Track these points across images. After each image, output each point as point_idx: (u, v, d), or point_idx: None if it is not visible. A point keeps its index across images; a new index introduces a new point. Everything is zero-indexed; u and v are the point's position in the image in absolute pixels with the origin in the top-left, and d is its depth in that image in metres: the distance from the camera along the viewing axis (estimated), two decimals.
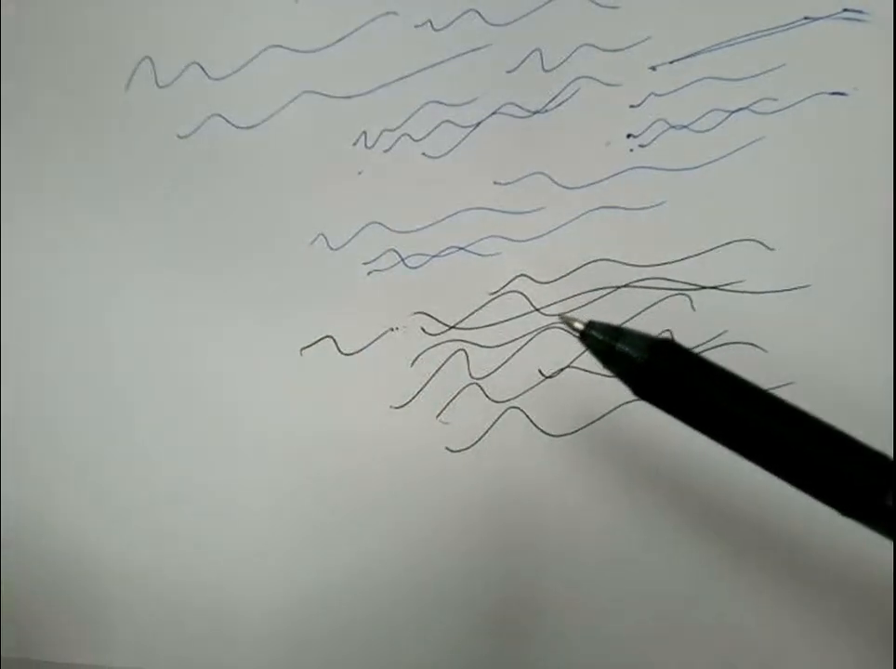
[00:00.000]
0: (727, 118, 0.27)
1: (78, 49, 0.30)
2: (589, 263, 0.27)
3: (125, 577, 0.30)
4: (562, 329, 0.27)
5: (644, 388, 0.19)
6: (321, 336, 0.29)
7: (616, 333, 0.20)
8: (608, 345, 0.19)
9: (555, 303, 0.28)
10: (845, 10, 0.26)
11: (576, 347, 0.27)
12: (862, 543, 0.26)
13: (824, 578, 0.27)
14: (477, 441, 0.28)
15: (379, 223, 0.28)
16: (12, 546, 0.31)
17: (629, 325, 0.20)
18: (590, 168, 0.27)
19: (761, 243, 0.27)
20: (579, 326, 0.20)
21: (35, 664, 0.31)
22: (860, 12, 0.26)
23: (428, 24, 0.28)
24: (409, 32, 0.28)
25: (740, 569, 0.27)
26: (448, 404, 0.28)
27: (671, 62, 0.27)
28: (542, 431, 0.28)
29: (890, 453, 0.19)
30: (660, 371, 0.19)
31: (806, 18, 0.26)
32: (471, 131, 0.28)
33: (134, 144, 0.30)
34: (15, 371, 0.30)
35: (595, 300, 0.27)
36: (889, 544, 0.19)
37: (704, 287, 0.27)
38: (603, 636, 0.28)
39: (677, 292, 0.27)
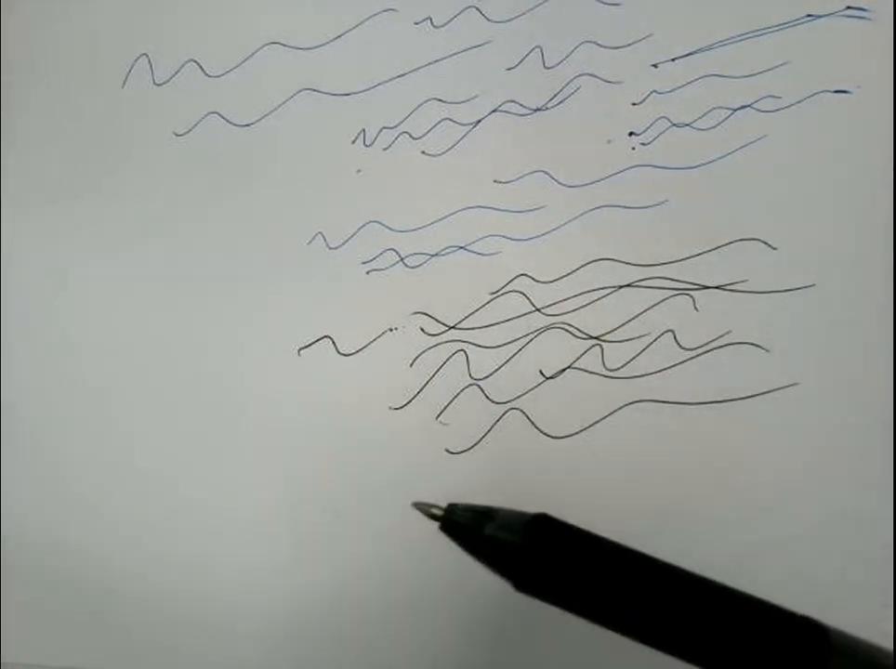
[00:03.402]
0: (729, 116, 0.27)
1: (74, 47, 0.30)
2: (591, 262, 0.27)
3: (123, 581, 0.30)
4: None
5: (526, 579, 0.16)
6: (319, 336, 0.28)
7: (483, 516, 0.16)
8: (474, 531, 0.16)
9: (556, 303, 0.27)
10: (848, 8, 0.26)
11: (578, 347, 0.27)
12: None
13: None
14: (477, 443, 0.28)
15: (378, 222, 0.28)
16: (12, 550, 0.30)
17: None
18: (591, 166, 0.27)
19: (764, 243, 0.27)
20: (437, 512, 0.17)
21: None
22: (863, 10, 0.26)
23: (428, 21, 0.28)
24: (408, 28, 0.28)
25: (744, 569, 0.27)
26: (448, 405, 0.28)
27: (673, 60, 0.27)
28: (543, 433, 0.28)
29: None
30: (541, 555, 0.15)
31: (809, 15, 0.26)
32: (471, 129, 0.28)
33: (130, 142, 0.29)
34: (15, 371, 0.30)
35: (596, 300, 0.27)
36: None
37: (706, 287, 0.27)
38: (605, 638, 0.28)
39: (679, 291, 0.27)
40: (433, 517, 0.17)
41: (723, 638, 0.15)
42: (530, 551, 0.15)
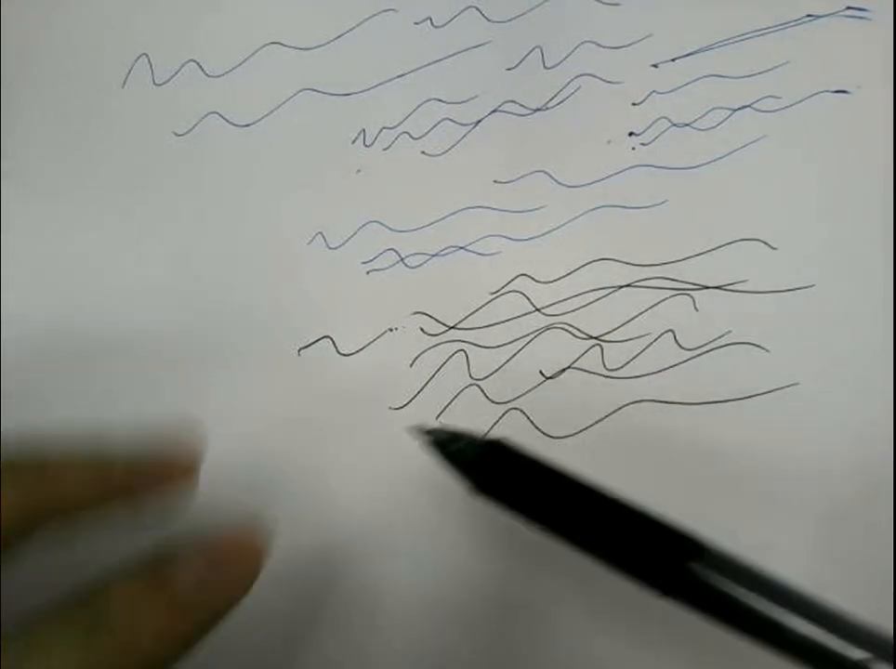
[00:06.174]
0: (729, 116, 0.27)
1: (74, 47, 0.30)
2: (591, 262, 0.27)
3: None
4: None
5: (478, 486, 0.21)
6: (319, 337, 0.28)
7: (454, 437, 0.22)
8: (444, 446, 0.21)
9: (556, 303, 0.27)
10: (848, 8, 0.26)
11: (577, 347, 0.28)
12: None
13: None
14: None
15: (378, 222, 0.28)
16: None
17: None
18: (592, 167, 0.27)
19: (764, 243, 0.27)
20: (425, 435, 0.22)
21: None
22: (863, 10, 0.26)
23: (428, 21, 0.28)
24: (408, 28, 0.28)
25: None
26: (448, 405, 0.28)
27: (673, 60, 0.27)
28: (543, 433, 0.28)
29: None
30: (491, 469, 0.21)
31: (809, 15, 0.26)
32: (471, 129, 0.28)
33: (130, 142, 0.29)
34: (15, 369, 0.30)
35: (596, 300, 0.27)
36: None
37: (706, 287, 0.27)
38: (605, 637, 0.28)
39: (679, 292, 0.27)
40: (421, 438, 0.22)
41: (615, 540, 0.20)
42: (480, 466, 0.21)
